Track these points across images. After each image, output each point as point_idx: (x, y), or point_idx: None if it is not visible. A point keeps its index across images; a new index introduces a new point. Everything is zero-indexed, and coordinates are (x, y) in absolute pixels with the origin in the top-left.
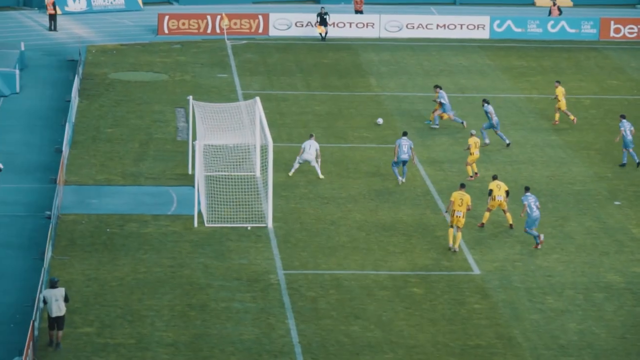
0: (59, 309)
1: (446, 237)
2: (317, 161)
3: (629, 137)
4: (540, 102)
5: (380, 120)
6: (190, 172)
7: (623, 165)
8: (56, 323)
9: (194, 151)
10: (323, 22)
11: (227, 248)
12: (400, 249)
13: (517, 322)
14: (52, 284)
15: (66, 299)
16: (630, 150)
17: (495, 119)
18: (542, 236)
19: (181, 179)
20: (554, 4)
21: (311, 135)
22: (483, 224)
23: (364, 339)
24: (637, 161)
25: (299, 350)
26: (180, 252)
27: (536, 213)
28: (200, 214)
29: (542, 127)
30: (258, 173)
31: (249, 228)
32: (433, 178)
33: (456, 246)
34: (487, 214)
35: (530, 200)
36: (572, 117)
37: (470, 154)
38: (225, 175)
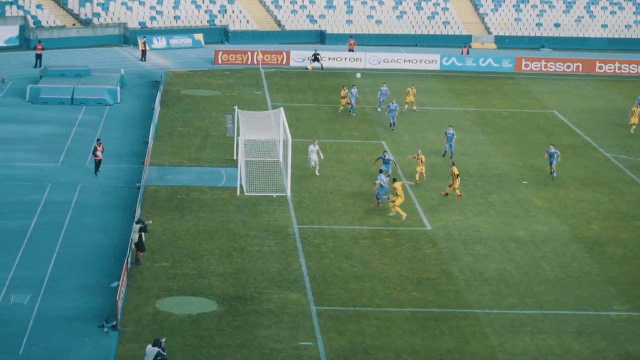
0: (135, 238)
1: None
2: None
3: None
4: (473, 113)
5: (358, 75)
6: (235, 157)
7: (444, 154)
8: (137, 247)
9: (238, 143)
10: (316, 59)
11: (259, 210)
12: (377, 212)
13: (455, 262)
14: (137, 221)
15: (144, 230)
16: (452, 149)
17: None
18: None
19: (228, 162)
20: (465, 46)
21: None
22: (447, 193)
23: (351, 272)
24: (448, 153)
25: (307, 280)
26: (227, 212)
27: (385, 188)
28: (241, 186)
29: (474, 130)
30: (281, 159)
31: (274, 196)
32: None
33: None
34: (449, 189)
35: (383, 178)
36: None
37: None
38: (258, 160)
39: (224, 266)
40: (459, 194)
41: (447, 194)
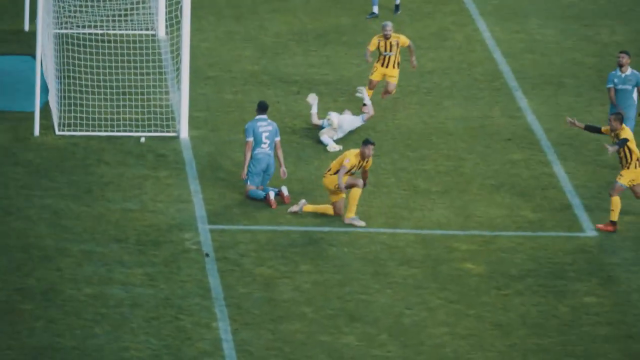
0: None
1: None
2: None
3: None
4: None
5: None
6: (27, 28)
7: None
8: None
9: None
10: None
11: (100, 179)
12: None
13: None
14: None
15: None
16: None
17: None
18: None
19: (10, 40)
20: None
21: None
22: None
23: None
24: None
25: None
26: (5, 185)
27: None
28: (47, 110)
29: None
30: (162, 32)
31: (142, 140)
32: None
33: None
34: None
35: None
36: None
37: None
38: (95, 34)
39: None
40: None
41: None
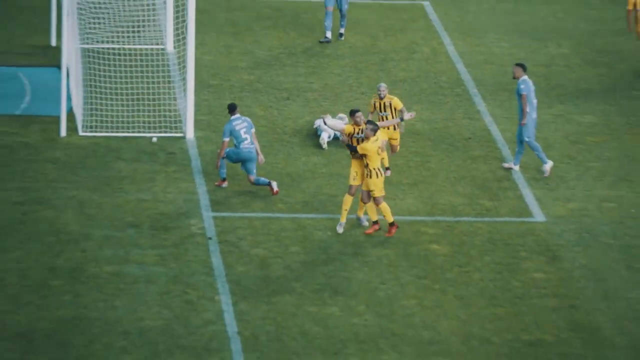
0: None
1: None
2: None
3: None
4: None
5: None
6: (54, 43)
7: None
8: None
9: (60, 8)
10: None
11: (118, 173)
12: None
13: (606, 304)
14: None
15: None
16: None
17: None
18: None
19: (39, 54)
20: None
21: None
22: None
23: (347, 327)
24: None
25: (238, 347)
26: (36, 179)
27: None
28: (71, 114)
29: None
30: (170, 46)
31: (154, 140)
32: None
33: None
34: None
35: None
36: None
37: None
38: (113, 49)
39: (31, 315)
40: None
41: None
